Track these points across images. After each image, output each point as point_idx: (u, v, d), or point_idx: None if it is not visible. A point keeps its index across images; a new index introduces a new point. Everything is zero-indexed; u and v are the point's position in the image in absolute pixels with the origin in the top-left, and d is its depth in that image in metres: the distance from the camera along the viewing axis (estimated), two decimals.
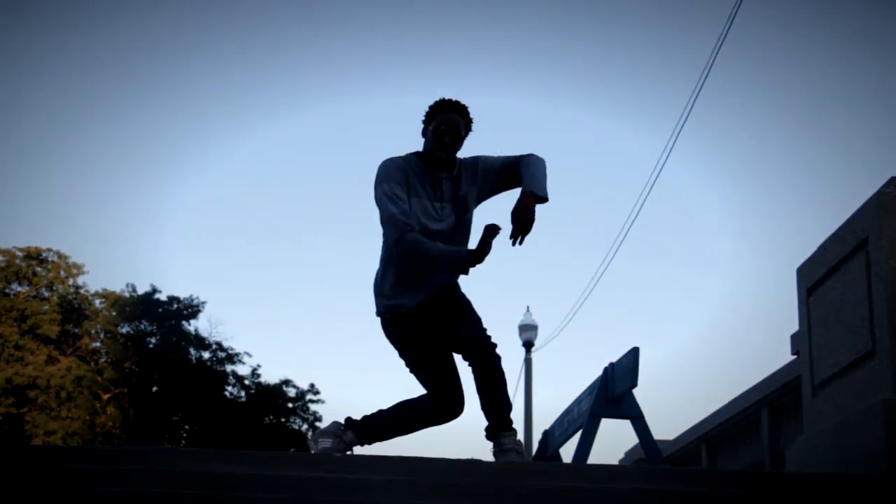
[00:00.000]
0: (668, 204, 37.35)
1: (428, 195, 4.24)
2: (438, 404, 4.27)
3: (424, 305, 4.24)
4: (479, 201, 4.41)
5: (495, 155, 4.42)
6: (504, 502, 3.26)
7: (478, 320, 4.24)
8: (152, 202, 38.82)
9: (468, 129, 4.32)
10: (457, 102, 4.29)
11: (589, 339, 35.42)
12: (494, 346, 4.18)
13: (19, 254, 24.98)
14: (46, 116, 35.64)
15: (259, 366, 26.72)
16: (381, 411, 4.34)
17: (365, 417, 4.34)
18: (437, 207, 4.24)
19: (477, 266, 4.07)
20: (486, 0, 35.06)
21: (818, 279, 5.21)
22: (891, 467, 4.01)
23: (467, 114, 4.30)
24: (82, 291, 25.93)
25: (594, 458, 7.64)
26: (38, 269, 25.47)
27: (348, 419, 4.35)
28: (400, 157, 4.30)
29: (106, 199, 36.99)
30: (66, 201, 36.85)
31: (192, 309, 25.88)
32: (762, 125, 32.37)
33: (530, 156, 4.31)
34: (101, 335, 25.52)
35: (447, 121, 4.23)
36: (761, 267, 33.75)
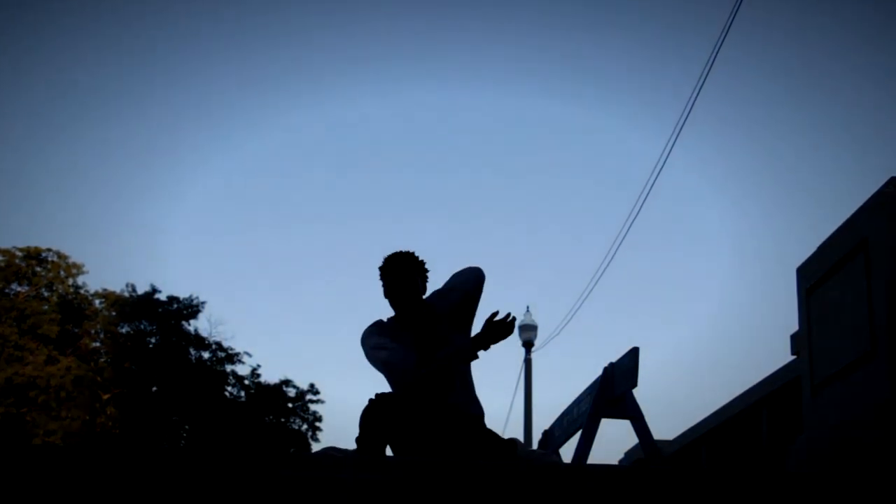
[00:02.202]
0: (668, 203, 37.36)
1: (408, 342, 4.25)
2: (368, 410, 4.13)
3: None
4: (462, 325, 4.37)
5: (442, 287, 4.39)
6: (504, 502, 3.26)
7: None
8: (152, 202, 38.83)
9: (420, 272, 4.36)
10: (396, 256, 4.35)
11: (589, 339, 35.42)
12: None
13: (19, 254, 24.96)
14: (46, 116, 35.65)
15: (259, 366, 26.72)
16: None
17: None
18: (413, 352, 4.23)
19: (491, 344, 4.10)
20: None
21: (818, 279, 5.21)
22: (891, 467, 4.01)
23: (412, 260, 4.35)
24: (82, 291, 25.91)
25: (594, 458, 7.65)
26: (38, 268, 25.45)
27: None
28: (375, 323, 4.37)
29: (106, 198, 37.00)
30: (65, 201, 36.85)
31: (191, 309, 25.87)
32: (763, 124, 32.38)
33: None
34: (101, 335, 25.49)
35: (394, 278, 4.30)
36: (761, 266, 33.75)
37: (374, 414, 4.02)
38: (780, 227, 34.75)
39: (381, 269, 4.39)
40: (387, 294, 4.34)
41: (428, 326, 4.31)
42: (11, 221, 32.71)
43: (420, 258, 4.40)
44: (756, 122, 32.80)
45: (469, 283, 4.38)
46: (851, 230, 4.82)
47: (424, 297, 4.41)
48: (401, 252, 4.38)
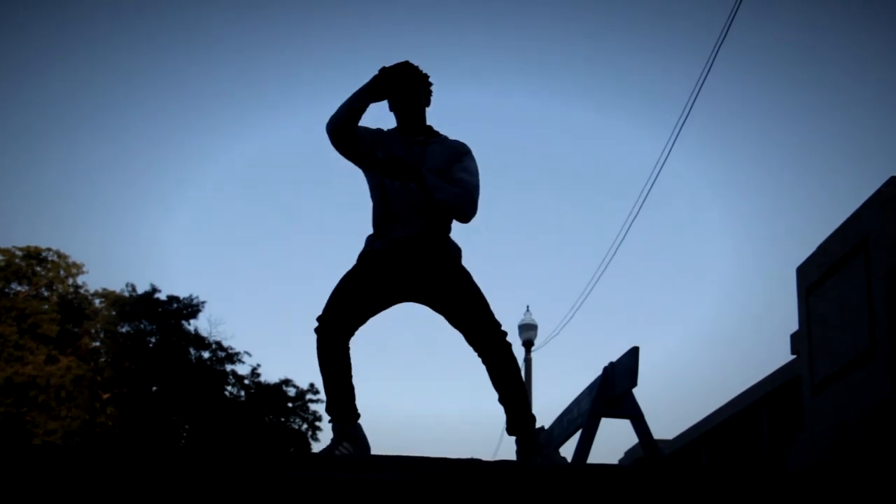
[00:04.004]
0: (668, 203, 37.34)
1: (401, 154, 4.27)
2: (321, 319, 4.14)
3: (398, 257, 4.19)
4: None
5: (470, 160, 4.36)
6: (504, 502, 3.26)
7: (488, 316, 4.17)
8: (152, 201, 38.83)
9: (424, 85, 4.37)
10: (402, 66, 4.33)
11: (589, 338, 35.42)
12: (507, 342, 4.19)
13: (19, 253, 24.97)
14: (46, 114, 35.64)
15: (259, 365, 26.74)
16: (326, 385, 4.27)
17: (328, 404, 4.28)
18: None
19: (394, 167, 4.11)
20: None
21: (818, 278, 5.21)
22: (891, 467, 4.01)
23: (417, 72, 4.35)
24: (82, 291, 25.92)
25: (594, 457, 7.65)
26: (38, 268, 25.46)
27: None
28: (375, 129, 4.41)
29: (106, 198, 37.00)
30: (65, 200, 36.85)
31: (191, 308, 25.88)
32: (762, 124, 32.38)
33: (463, 192, 4.23)
34: (101, 335, 25.49)
35: (398, 86, 4.31)
36: (761, 266, 33.75)
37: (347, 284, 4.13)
38: (780, 226, 34.75)
39: (390, 83, 4.35)
40: (392, 102, 4.37)
41: (421, 145, 4.32)
42: (11, 220, 32.72)
43: (424, 71, 4.39)
44: (756, 121, 32.81)
45: (473, 184, 4.29)
46: (851, 229, 4.82)
47: (436, 130, 4.43)
48: (407, 63, 4.36)
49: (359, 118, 4.28)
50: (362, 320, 4.22)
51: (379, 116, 4.49)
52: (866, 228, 4.62)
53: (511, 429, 4.20)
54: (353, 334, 4.20)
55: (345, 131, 4.25)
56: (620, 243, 13.39)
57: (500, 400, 4.21)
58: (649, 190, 11.82)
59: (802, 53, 30.89)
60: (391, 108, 4.42)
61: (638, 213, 12.31)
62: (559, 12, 33.89)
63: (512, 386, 4.16)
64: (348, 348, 4.19)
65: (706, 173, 34.83)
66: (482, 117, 36.93)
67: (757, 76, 30.99)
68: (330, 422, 4.24)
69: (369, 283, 4.19)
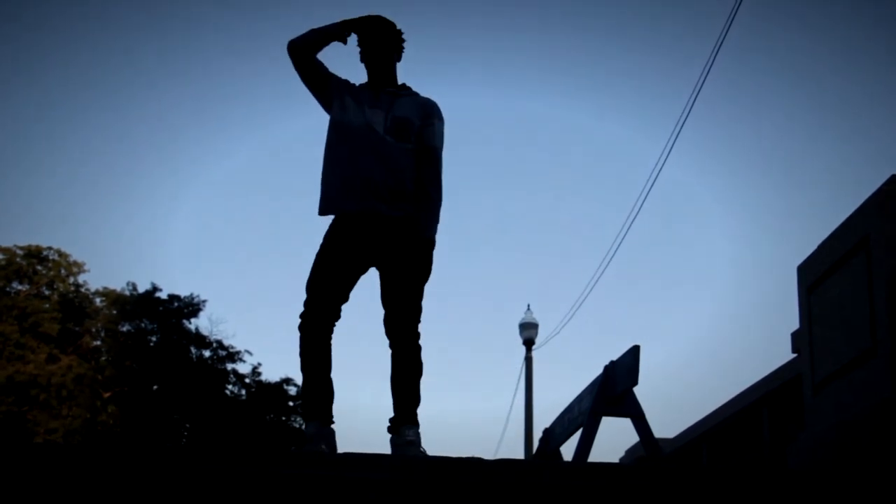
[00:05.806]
0: (668, 202, 37.35)
1: (367, 102, 4.36)
2: (305, 313, 4.24)
3: (364, 230, 4.23)
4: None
5: (438, 125, 4.45)
6: (504, 501, 3.26)
7: (413, 304, 4.25)
8: (153, 200, 38.83)
9: (392, 36, 4.45)
10: (375, 18, 4.45)
11: (590, 337, 35.41)
12: (418, 336, 4.27)
13: (20, 252, 24.97)
14: (48, 113, 35.65)
15: (260, 364, 26.74)
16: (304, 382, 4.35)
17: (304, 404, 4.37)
18: (367, 110, 4.34)
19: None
20: None
21: (819, 277, 5.21)
22: (892, 466, 4.00)
23: (388, 25, 4.45)
24: (83, 290, 25.92)
25: (595, 456, 7.64)
26: (39, 267, 25.46)
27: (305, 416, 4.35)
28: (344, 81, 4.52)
29: (107, 197, 37.00)
30: (67, 199, 36.86)
31: (192, 307, 25.87)
32: (763, 123, 32.37)
33: (431, 188, 4.36)
34: (102, 333, 25.50)
35: (368, 37, 4.44)
36: (762, 265, 33.75)
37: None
38: (781, 225, 34.75)
39: (359, 31, 4.47)
40: (362, 54, 4.48)
41: (389, 95, 4.41)
42: (12, 219, 32.72)
43: (398, 27, 4.50)
44: (756, 120, 32.80)
45: (439, 140, 4.44)
46: (852, 228, 4.82)
47: (410, 86, 4.53)
48: (379, 17, 4.47)
49: (317, 48, 4.40)
50: (343, 300, 4.27)
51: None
52: (867, 227, 4.62)
53: (395, 422, 4.22)
54: (337, 320, 4.26)
55: (303, 49, 4.38)
56: (622, 241, 13.46)
57: (394, 398, 4.27)
58: (650, 189, 11.84)
59: (803, 54, 30.88)
60: (362, 60, 4.49)
61: (639, 211, 12.34)
62: (559, 12, 33.89)
63: (413, 388, 4.25)
64: (330, 343, 4.24)
65: (707, 172, 34.83)
66: (482, 117, 36.91)
67: (757, 76, 30.99)
68: (305, 422, 4.25)
69: (342, 264, 4.24)
